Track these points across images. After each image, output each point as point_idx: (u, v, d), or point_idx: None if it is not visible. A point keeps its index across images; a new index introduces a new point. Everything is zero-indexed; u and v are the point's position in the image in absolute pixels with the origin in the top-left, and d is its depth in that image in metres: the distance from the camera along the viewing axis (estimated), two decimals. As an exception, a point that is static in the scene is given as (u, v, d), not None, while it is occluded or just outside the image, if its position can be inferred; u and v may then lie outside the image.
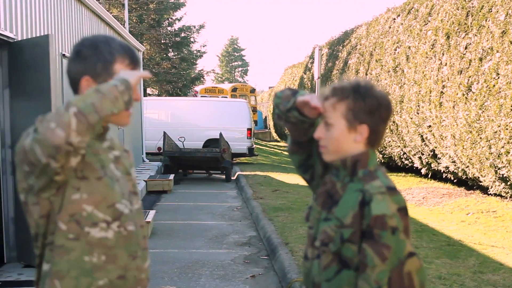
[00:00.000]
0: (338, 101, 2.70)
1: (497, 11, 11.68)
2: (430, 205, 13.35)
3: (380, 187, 2.61)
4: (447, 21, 13.63)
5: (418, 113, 15.24)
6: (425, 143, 15.33)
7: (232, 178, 20.71)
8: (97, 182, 2.58)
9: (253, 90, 43.49)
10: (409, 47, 15.95)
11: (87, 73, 2.63)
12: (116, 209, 2.64)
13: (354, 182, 2.69)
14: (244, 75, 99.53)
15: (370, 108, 2.67)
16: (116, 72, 2.62)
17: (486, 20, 12.03)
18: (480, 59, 11.96)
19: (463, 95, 12.49)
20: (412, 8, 16.77)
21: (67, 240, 2.55)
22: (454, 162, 13.92)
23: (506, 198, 12.60)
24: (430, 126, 14.61)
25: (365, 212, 2.57)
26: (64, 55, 10.73)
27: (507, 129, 11.02)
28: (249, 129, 24.42)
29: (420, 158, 16.43)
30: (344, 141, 2.71)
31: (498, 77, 11.29)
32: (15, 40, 8.42)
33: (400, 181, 17.57)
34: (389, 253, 2.52)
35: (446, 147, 13.81)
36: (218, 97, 35.02)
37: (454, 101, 12.97)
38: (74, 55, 2.67)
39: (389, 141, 18.16)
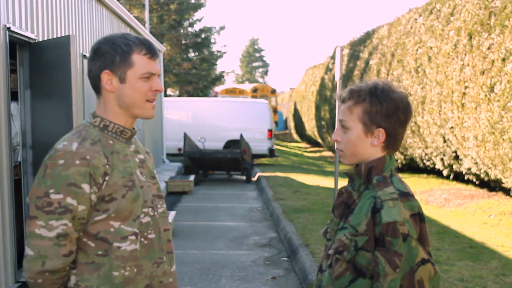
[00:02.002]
0: (354, 104, 2.67)
1: (521, 11, 11.59)
2: (452, 207, 13.26)
3: (392, 193, 2.56)
4: (470, 21, 13.53)
5: (440, 114, 15.14)
6: (447, 144, 15.23)
7: (252, 179, 20.68)
8: (123, 199, 2.63)
9: (273, 91, 43.48)
10: (431, 48, 15.85)
11: (106, 67, 2.66)
12: (140, 220, 2.69)
13: (369, 189, 2.65)
14: (265, 76, 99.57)
15: (387, 111, 2.63)
16: (135, 62, 2.66)
17: (509, 20, 11.92)
18: (503, 60, 11.85)
19: (486, 96, 12.38)
20: (434, 8, 16.67)
21: (97, 256, 2.62)
22: (476, 163, 13.81)
23: (529, 200, 12.50)
24: (452, 127, 14.51)
25: (377, 219, 2.52)
26: (85, 55, 10.74)
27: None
28: (270, 130, 24.35)
29: (442, 159, 16.32)
30: (361, 144, 2.68)
31: (521, 78, 11.20)
32: (36, 41, 8.44)
33: (421, 182, 17.47)
34: (401, 261, 2.47)
35: (468, 148, 13.71)
36: (238, 97, 34.99)
37: (476, 102, 12.87)
38: (93, 53, 2.71)
39: (411, 142, 18.06)
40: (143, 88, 2.68)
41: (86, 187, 2.54)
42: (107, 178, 2.59)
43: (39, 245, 2.52)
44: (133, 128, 2.79)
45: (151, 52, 2.70)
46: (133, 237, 2.65)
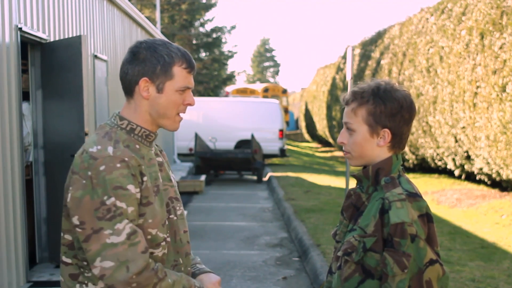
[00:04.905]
0: (358, 106, 2.68)
1: (533, 11, 11.54)
2: (463, 207, 13.22)
3: (400, 194, 2.56)
4: (481, 21, 13.48)
5: (451, 114, 15.10)
6: (458, 144, 15.18)
7: (263, 179, 20.69)
8: (156, 204, 2.64)
9: (284, 91, 43.52)
10: (443, 47, 15.80)
11: (145, 74, 2.65)
12: (166, 224, 2.70)
13: (377, 191, 2.66)
14: (276, 75, 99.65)
15: (391, 111, 2.64)
16: (175, 74, 2.67)
17: (521, 20, 11.88)
18: (515, 59, 11.82)
19: (498, 95, 12.34)
20: (446, 7, 16.61)
21: None
22: (488, 163, 13.76)
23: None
24: (463, 127, 14.47)
25: (385, 220, 2.53)
26: (96, 56, 10.76)
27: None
28: (281, 130, 24.33)
29: (453, 159, 16.27)
30: (367, 146, 2.69)
31: (534, 77, 11.15)
32: (47, 41, 8.46)
33: (433, 182, 17.42)
34: (409, 262, 2.47)
35: (480, 148, 13.66)
36: (249, 97, 34.97)
37: (488, 102, 12.83)
38: (131, 57, 2.69)
39: (422, 142, 18.02)
40: (177, 101, 2.70)
41: (131, 187, 2.53)
42: (145, 179, 2.60)
43: (116, 253, 2.46)
44: (156, 132, 2.80)
45: (191, 67, 2.72)
46: (164, 243, 2.66)
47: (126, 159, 2.54)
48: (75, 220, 2.50)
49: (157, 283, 2.53)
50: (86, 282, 2.61)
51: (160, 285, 2.54)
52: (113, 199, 2.48)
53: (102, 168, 2.49)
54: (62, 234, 2.66)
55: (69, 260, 2.65)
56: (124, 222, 2.48)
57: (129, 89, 2.71)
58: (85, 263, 2.59)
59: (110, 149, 2.55)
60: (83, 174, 2.50)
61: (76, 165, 2.54)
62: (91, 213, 2.47)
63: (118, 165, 2.52)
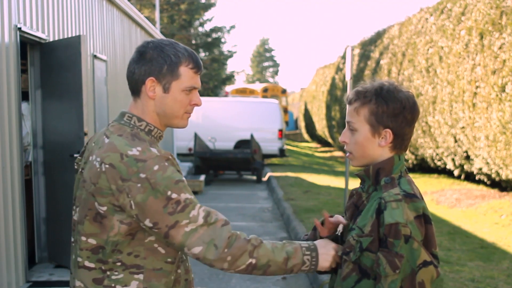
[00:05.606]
0: (361, 105, 2.68)
1: (532, 11, 11.54)
2: (463, 207, 13.21)
3: (396, 195, 2.56)
4: (481, 21, 13.47)
5: (451, 114, 15.10)
6: (458, 144, 15.18)
7: (263, 179, 20.69)
8: None
9: (284, 91, 43.54)
10: (442, 47, 15.80)
11: (152, 74, 2.66)
12: None
13: (377, 191, 2.67)
14: (275, 75, 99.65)
15: (394, 111, 2.63)
16: (182, 74, 2.68)
17: (520, 20, 11.87)
18: (515, 59, 11.81)
19: (497, 95, 12.33)
20: (445, 7, 16.60)
21: (166, 263, 2.66)
22: (487, 163, 13.76)
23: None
24: (463, 127, 14.46)
25: (381, 220, 2.53)
26: (95, 55, 10.76)
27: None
28: (280, 130, 24.32)
29: (453, 159, 16.27)
30: (369, 146, 2.69)
31: (533, 78, 11.15)
32: (46, 41, 8.46)
33: (432, 182, 17.42)
34: (401, 262, 2.47)
35: (479, 148, 13.66)
36: (249, 97, 34.96)
37: (487, 102, 12.82)
38: (138, 56, 2.69)
39: (422, 142, 18.01)
40: (184, 101, 2.71)
41: (184, 179, 2.59)
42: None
43: (200, 238, 2.53)
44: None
45: (198, 67, 2.73)
46: None
47: (170, 157, 2.60)
48: (148, 222, 2.53)
49: (253, 250, 2.62)
50: (113, 285, 2.61)
51: (257, 252, 2.63)
52: (178, 192, 2.53)
53: (156, 168, 2.52)
54: (84, 239, 2.64)
55: (92, 265, 2.63)
56: (197, 207, 2.55)
57: (135, 88, 2.72)
58: (118, 264, 2.60)
59: (154, 150, 2.58)
60: (136, 178, 2.51)
61: (123, 172, 2.52)
62: (161, 211, 2.51)
63: (166, 163, 2.56)
